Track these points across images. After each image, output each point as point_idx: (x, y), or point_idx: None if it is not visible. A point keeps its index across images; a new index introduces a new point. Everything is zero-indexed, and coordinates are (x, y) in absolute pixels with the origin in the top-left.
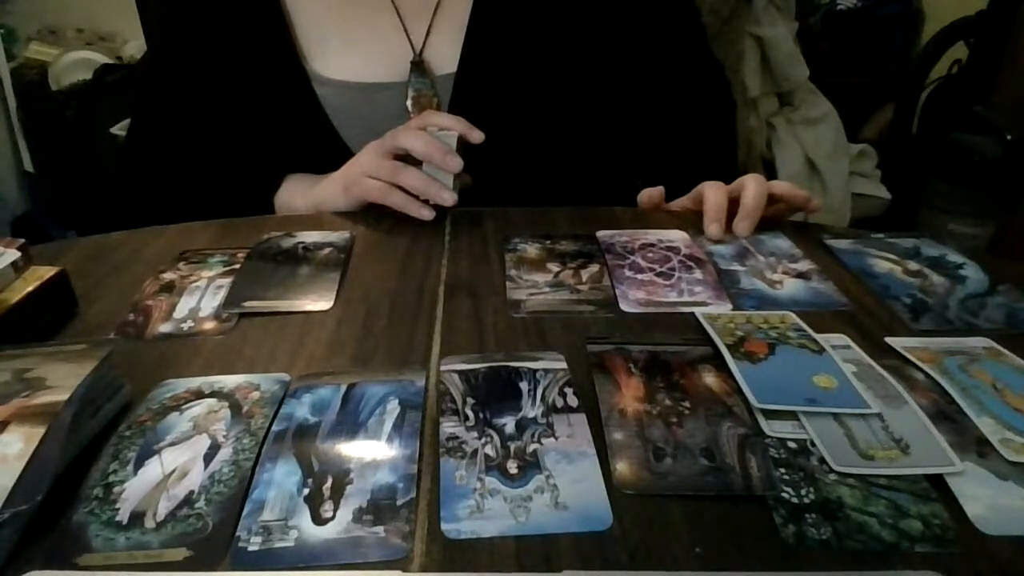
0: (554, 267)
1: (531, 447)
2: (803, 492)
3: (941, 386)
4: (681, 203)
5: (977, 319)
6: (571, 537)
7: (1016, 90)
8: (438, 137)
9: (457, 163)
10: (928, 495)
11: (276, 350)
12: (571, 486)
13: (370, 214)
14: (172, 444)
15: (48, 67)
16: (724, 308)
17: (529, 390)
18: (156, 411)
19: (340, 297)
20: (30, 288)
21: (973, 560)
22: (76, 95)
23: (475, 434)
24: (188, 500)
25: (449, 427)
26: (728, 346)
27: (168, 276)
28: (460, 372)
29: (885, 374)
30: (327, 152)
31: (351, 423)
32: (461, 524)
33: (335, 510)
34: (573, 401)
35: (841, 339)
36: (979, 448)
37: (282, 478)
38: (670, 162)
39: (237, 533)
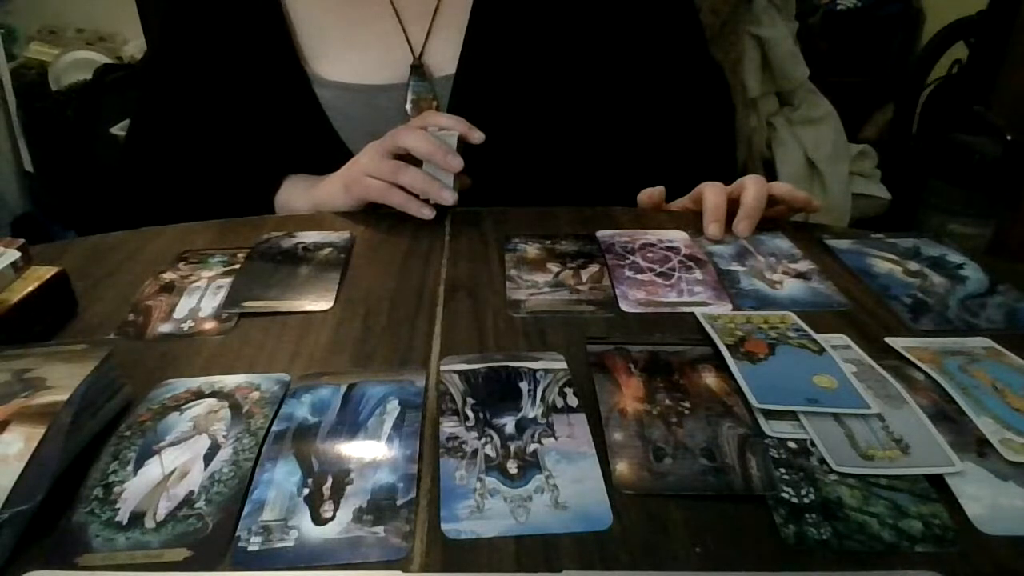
0: (554, 267)
1: (531, 447)
2: (803, 492)
3: (941, 386)
4: (681, 203)
5: (977, 319)
6: (571, 537)
7: (1016, 90)
8: (438, 137)
9: (458, 163)
10: (928, 495)
11: (276, 350)
12: (571, 486)
13: (370, 214)
14: (172, 444)
15: (48, 67)
16: (724, 308)
17: (529, 390)
18: (156, 411)
19: (340, 297)
20: (30, 288)
21: (973, 560)
22: (76, 95)
23: (475, 434)
24: (188, 500)
25: (449, 427)
26: (728, 346)
27: (168, 276)
28: (460, 372)
29: (885, 374)
30: (327, 153)
31: (351, 423)
32: (461, 524)
33: (335, 510)
34: (573, 401)
35: (841, 339)
36: (979, 448)
37: (282, 478)
38: (670, 163)
39: (237, 533)
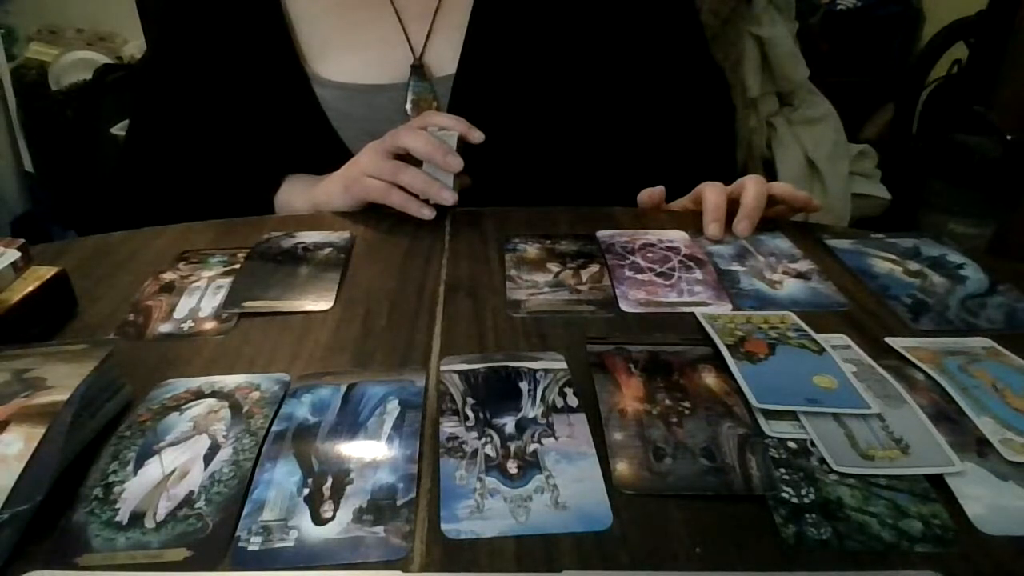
0: (554, 267)
1: (531, 447)
2: (803, 492)
3: (941, 386)
4: (681, 203)
5: (977, 319)
6: (571, 537)
7: (1016, 90)
8: (438, 137)
9: (457, 163)
10: (928, 495)
11: (276, 350)
12: (571, 486)
13: (370, 214)
14: (172, 444)
15: (48, 67)
16: (724, 308)
17: (529, 390)
18: (156, 411)
19: (340, 297)
20: (30, 288)
21: (973, 560)
22: (76, 95)
23: (475, 434)
24: (188, 500)
25: (449, 427)
26: (728, 346)
27: (168, 276)
28: (460, 372)
29: (885, 374)
30: (326, 153)
31: (351, 423)
32: (461, 524)
33: (335, 510)
34: (573, 401)
35: (841, 339)
36: (979, 448)
37: (282, 478)
38: (670, 163)
39: (237, 533)
